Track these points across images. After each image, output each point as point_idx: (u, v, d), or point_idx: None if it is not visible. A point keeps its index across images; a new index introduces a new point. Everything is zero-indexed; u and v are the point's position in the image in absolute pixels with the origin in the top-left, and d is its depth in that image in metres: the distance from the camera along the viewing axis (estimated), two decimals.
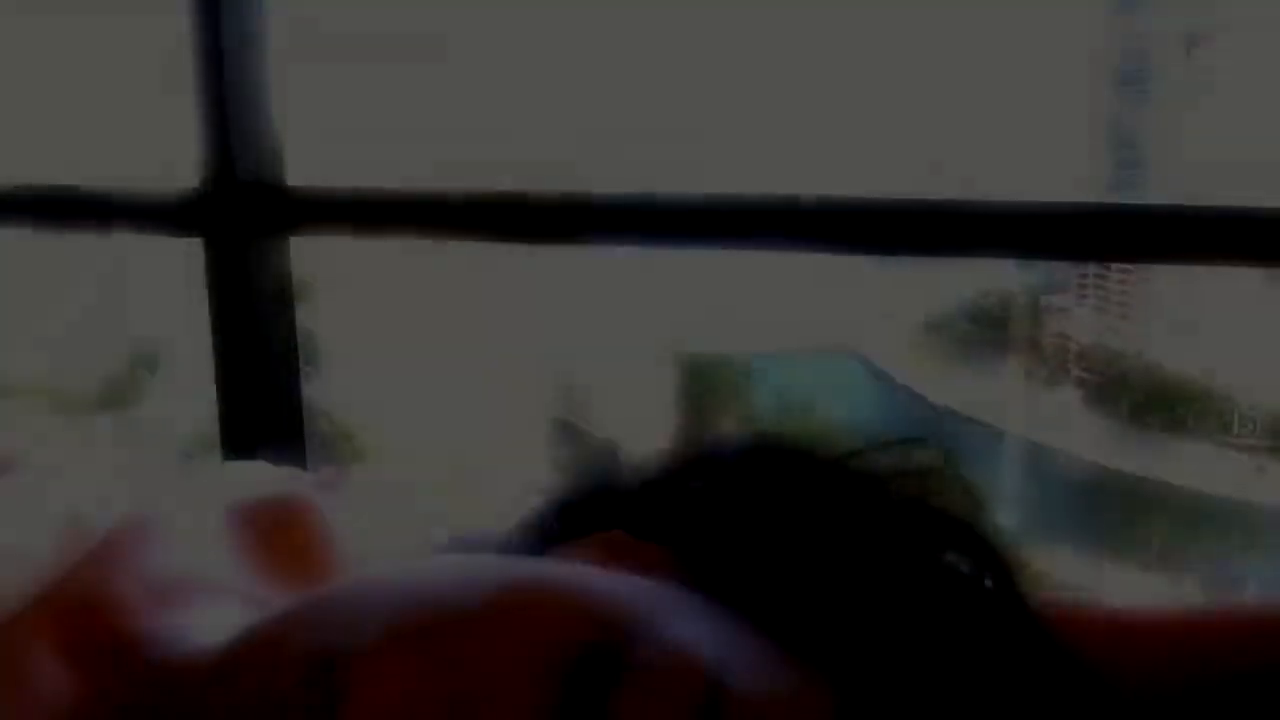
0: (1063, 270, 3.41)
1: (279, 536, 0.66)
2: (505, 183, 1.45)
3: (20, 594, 0.57)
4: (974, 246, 1.24)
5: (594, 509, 0.61)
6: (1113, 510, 3.45)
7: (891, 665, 0.52)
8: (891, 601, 0.54)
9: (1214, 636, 0.61)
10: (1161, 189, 2.99)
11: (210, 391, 1.50)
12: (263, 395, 1.45)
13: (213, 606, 0.58)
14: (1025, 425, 3.44)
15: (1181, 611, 0.63)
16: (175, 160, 1.53)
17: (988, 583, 0.56)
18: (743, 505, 0.58)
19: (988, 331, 3.61)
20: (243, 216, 1.42)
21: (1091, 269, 3.31)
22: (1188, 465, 3.34)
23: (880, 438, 0.61)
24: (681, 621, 0.50)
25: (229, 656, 0.50)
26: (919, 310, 3.63)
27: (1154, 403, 3.41)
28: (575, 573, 0.52)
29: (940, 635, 0.54)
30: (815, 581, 0.55)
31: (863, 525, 0.57)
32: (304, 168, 1.50)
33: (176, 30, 1.47)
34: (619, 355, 3.29)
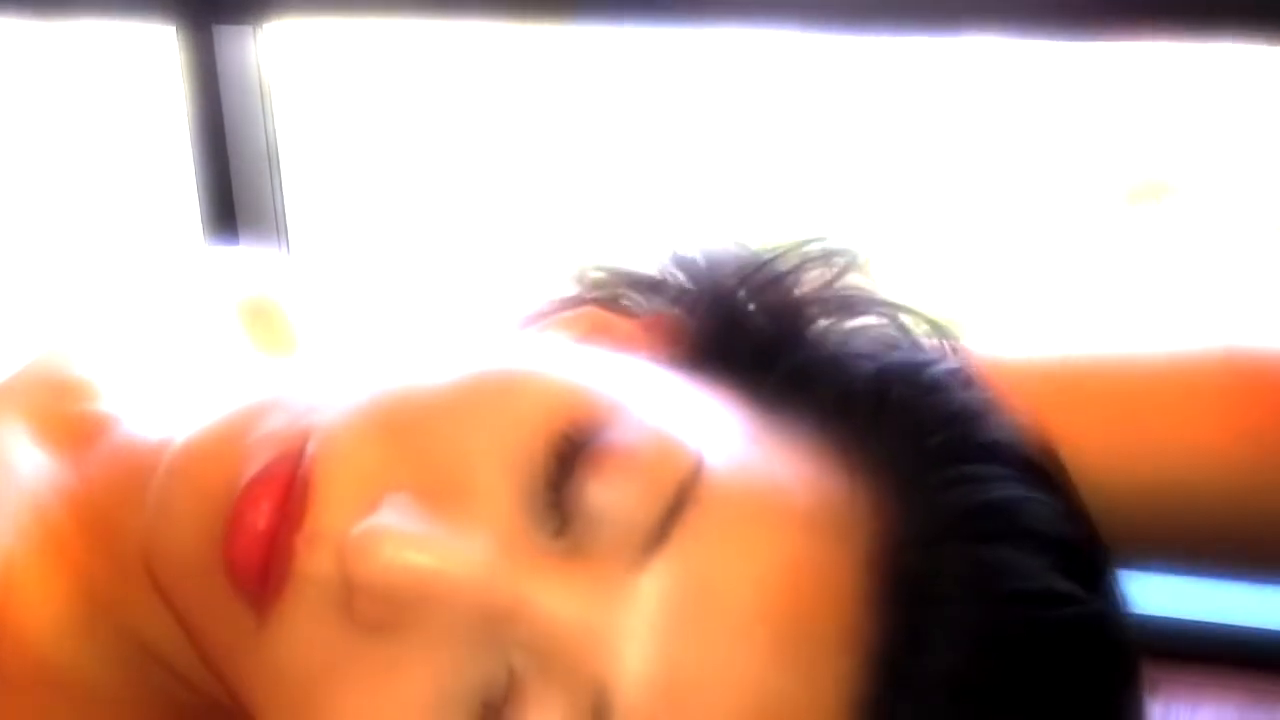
0: (1058, 53, 3.35)
1: (258, 321, 0.65)
2: None
3: None
4: (964, 22, 1.21)
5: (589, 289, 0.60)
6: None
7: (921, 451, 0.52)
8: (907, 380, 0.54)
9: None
10: None
11: (189, 182, 1.49)
12: (241, 185, 1.44)
13: (188, 390, 0.58)
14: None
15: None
16: None
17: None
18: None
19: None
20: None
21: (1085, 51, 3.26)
22: None
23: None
24: (661, 402, 0.49)
25: (201, 439, 0.49)
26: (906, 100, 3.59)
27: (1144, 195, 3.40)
28: (548, 357, 0.51)
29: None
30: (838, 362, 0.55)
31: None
32: None
33: None
34: (610, 150, 3.26)
